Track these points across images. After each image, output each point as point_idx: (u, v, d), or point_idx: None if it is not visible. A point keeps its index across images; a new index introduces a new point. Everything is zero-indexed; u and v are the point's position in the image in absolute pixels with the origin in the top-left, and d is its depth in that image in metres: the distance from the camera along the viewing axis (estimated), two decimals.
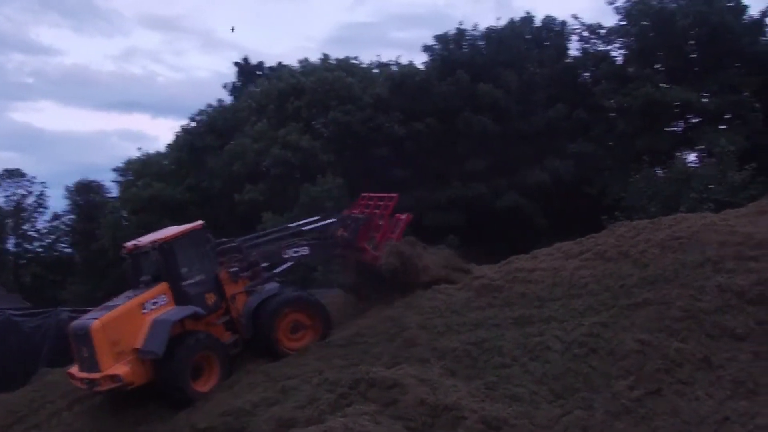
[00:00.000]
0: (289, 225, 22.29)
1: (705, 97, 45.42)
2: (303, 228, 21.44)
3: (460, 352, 14.48)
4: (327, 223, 21.32)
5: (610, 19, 65.18)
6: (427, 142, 48.07)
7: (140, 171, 58.02)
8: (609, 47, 50.50)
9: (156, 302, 18.00)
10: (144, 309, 17.82)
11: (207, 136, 54.35)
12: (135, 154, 64.51)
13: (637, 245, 17.11)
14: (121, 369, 17.02)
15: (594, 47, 50.85)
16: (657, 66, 47.42)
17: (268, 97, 53.10)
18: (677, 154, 42.31)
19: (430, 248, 21.11)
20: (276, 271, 20.40)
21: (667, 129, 47.19)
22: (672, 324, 13.51)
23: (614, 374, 12.74)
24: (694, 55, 47.37)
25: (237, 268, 19.28)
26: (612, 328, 13.94)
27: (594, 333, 13.86)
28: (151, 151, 62.08)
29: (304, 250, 20.61)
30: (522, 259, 19.58)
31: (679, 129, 47.81)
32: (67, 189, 67.57)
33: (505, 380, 13.20)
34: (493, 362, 13.95)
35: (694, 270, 15.12)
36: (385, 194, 21.41)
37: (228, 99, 64.55)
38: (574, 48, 52.35)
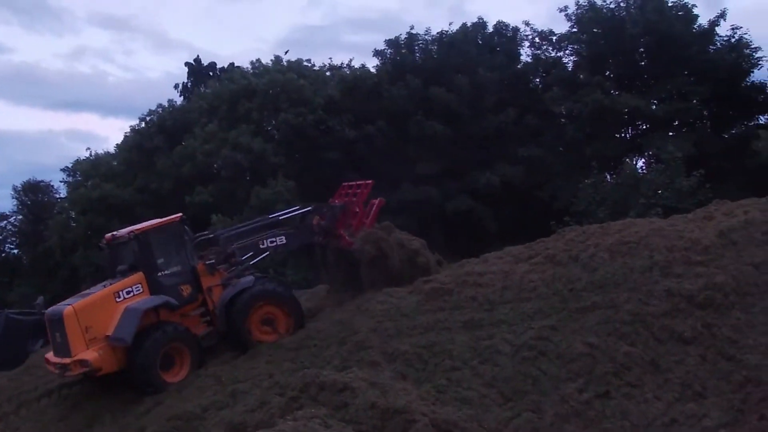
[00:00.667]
0: (268, 216, 22.40)
1: (654, 104, 45.89)
2: (280, 218, 21.67)
3: (411, 356, 14.49)
4: (304, 212, 21.61)
5: (561, 26, 65.70)
6: (378, 146, 48.05)
7: (89, 171, 57.15)
8: (560, 54, 50.82)
9: (131, 291, 18.42)
10: (118, 297, 18.25)
11: (157, 136, 53.68)
12: (84, 154, 63.36)
13: (586, 250, 17.27)
14: (90, 354, 17.44)
15: (545, 53, 51.12)
16: (607, 73, 47.84)
17: (219, 98, 52.64)
18: (626, 160, 42.66)
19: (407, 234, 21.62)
20: (252, 262, 20.65)
21: (617, 135, 47.59)
22: (620, 327, 13.65)
23: (563, 377, 12.83)
24: (644, 63, 47.86)
25: (213, 260, 19.58)
26: (561, 331, 14.04)
27: (543, 336, 13.96)
28: (101, 151, 61.18)
29: (281, 240, 20.89)
30: (472, 262, 19.71)
31: (628, 135, 48.27)
32: (15, 189, 66.33)
33: (455, 383, 13.24)
34: (444, 365, 13.97)
35: (642, 274, 15.31)
36: (362, 182, 22.00)
37: (179, 100, 63.95)
38: (525, 54, 52.50)
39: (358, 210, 21.26)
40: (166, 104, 57.44)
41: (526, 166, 46.56)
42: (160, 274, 19.00)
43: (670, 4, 45.79)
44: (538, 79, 51.73)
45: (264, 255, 21.07)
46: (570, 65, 50.07)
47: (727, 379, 12.21)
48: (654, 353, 12.99)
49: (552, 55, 50.81)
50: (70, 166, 62.24)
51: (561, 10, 48.65)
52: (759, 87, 45.55)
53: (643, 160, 47.14)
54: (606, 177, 42.41)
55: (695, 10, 45.95)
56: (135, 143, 55.07)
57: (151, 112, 56.34)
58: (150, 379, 17.61)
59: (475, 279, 17.59)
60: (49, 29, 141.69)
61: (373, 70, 51.99)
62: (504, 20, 52.86)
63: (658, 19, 44.53)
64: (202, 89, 59.59)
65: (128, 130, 58.04)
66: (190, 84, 68.83)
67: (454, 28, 51.58)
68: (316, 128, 48.85)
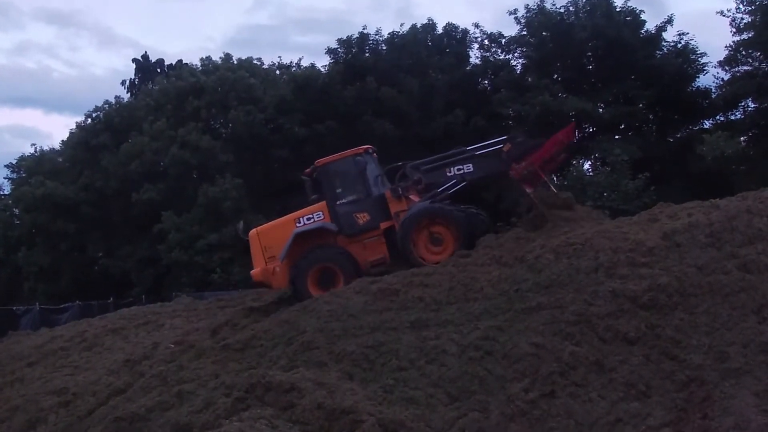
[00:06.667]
0: (465, 147, 22.46)
1: (600, 107, 46.41)
2: (470, 148, 22.02)
3: (358, 356, 14.42)
4: (498, 141, 21.49)
5: (510, 29, 66.13)
6: (327, 145, 47.87)
7: (33, 168, 56.45)
8: (509, 56, 51.21)
9: (311, 218, 21.09)
10: (298, 223, 21.06)
11: (103, 134, 53.05)
12: (28, 150, 62.51)
13: (532, 250, 17.34)
14: (255, 270, 21.11)
15: (494, 56, 51.44)
16: (555, 76, 48.25)
17: (166, 95, 52.24)
18: (573, 162, 43.03)
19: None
20: (440, 189, 21.10)
21: None
22: (566, 328, 13.68)
23: (509, 377, 12.84)
24: (591, 67, 48.37)
25: (399, 188, 20.96)
26: (507, 331, 14.05)
27: (489, 336, 13.95)
28: (45, 147, 60.51)
29: (468, 168, 21.19)
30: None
31: (575, 138, 48.64)
32: None
33: (401, 383, 13.19)
34: (390, 365, 13.92)
35: (587, 275, 15.37)
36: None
37: (126, 97, 63.25)
38: (474, 56, 52.85)
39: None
40: (112, 101, 56.81)
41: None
42: (338, 202, 21.11)
43: (618, 10, 46.32)
44: (486, 81, 51.97)
45: (451, 182, 21.26)
46: (518, 68, 50.56)
47: (670, 379, 12.29)
48: (599, 353, 13.05)
49: (501, 57, 51.22)
50: (14, 162, 61.39)
51: (510, 13, 49.21)
52: (704, 92, 46.43)
53: (589, 162, 47.69)
54: (553, 179, 42.70)
55: (643, 16, 46.69)
56: (80, 140, 54.44)
57: (97, 109, 55.67)
58: (298, 291, 20.14)
59: (422, 279, 17.58)
60: None
61: (322, 69, 51.88)
62: (453, 22, 53.08)
63: (606, 24, 45.09)
64: (149, 86, 59.00)
65: (74, 126, 57.41)
66: (137, 81, 68.16)
67: (405, 29, 51.66)
68: (266, 127, 48.65)
